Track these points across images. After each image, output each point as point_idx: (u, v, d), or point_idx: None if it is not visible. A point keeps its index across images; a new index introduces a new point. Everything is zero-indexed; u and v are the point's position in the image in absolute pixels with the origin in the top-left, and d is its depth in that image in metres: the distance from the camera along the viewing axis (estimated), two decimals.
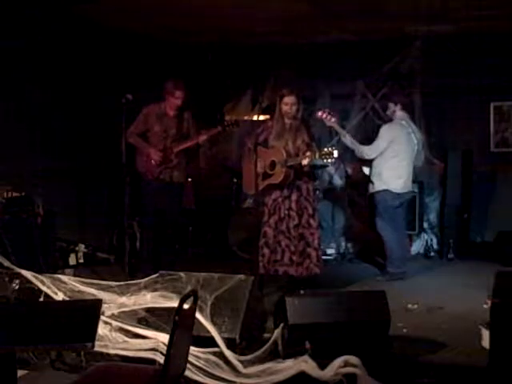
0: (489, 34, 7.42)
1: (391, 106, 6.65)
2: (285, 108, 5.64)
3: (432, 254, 7.88)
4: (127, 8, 6.53)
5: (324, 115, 6.13)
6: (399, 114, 6.58)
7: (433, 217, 8.12)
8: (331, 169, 8.07)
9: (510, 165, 7.80)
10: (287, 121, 5.71)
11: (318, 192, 7.76)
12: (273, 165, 5.63)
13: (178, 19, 7.01)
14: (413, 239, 7.96)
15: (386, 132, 6.51)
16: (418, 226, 7.85)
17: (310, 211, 5.72)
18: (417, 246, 8.00)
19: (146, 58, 7.65)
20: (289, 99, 5.62)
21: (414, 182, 7.82)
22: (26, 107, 6.26)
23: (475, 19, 6.94)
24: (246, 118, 8.42)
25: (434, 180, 8.08)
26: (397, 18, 6.95)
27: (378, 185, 6.56)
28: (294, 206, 5.66)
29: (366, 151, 6.53)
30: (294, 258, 5.61)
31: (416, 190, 7.84)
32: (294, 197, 5.67)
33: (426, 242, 7.98)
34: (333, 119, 6.20)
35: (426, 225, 8.05)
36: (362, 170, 7.27)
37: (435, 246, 7.96)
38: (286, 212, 5.65)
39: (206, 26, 7.34)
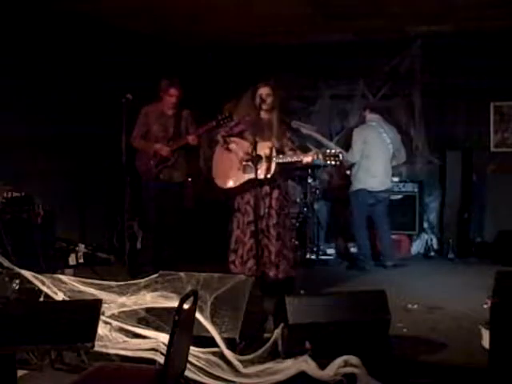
0: (489, 34, 7.43)
1: (362, 112, 7.25)
2: (261, 98, 5.38)
3: (432, 253, 7.89)
4: (128, 8, 6.54)
5: (296, 125, 6.61)
6: (369, 117, 7.10)
7: (433, 217, 8.14)
8: (331, 169, 8.11)
9: (510, 165, 7.81)
10: (264, 115, 5.48)
11: (317, 192, 7.78)
12: (258, 159, 5.28)
13: (179, 19, 7.02)
14: (413, 239, 7.98)
15: (357, 135, 7.04)
16: (418, 225, 7.87)
17: (287, 211, 5.56)
18: (417, 246, 8.02)
19: (146, 58, 7.65)
20: (264, 89, 5.41)
21: (413, 181, 7.92)
22: (26, 107, 6.26)
23: (475, 19, 6.95)
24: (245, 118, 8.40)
25: (434, 180, 8.10)
26: (397, 18, 6.95)
27: (355, 184, 7.06)
28: (274, 204, 5.44)
29: (346, 157, 6.92)
30: (273, 258, 5.42)
31: (416, 190, 7.89)
32: (274, 194, 5.45)
33: (426, 241, 7.99)
34: (309, 128, 6.80)
35: (426, 225, 8.07)
36: (346, 172, 7.59)
37: (435, 246, 7.97)
38: (267, 210, 5.42)
39: (206, 26, 7.34)
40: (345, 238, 7.86)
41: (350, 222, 7.27)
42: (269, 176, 5.33)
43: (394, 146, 7.07)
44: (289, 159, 5.37)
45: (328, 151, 5.24)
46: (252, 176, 5.27)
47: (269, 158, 5.30)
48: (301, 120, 7.62)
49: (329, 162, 5.21)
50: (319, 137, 7.23)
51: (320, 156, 5.25)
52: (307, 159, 5.30)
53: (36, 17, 6.34)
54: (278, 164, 5.35)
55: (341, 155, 5.20)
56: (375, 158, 6.95)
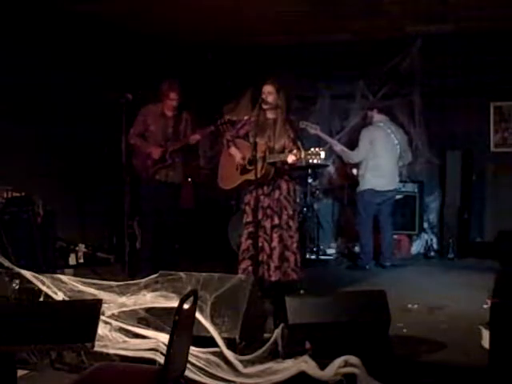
0: (489, 34, 7.43)
1: (368, 112, 7.26)
2: (262, 97, 5.39)
3: (432, 253, 7.89)
4: (128, 8, 6.54)
5: (304, 125, 6.70)
6: (377, 117, 7.14)
7: (433, 217, 8.14)
8: (331, 169, 8.14)
9: (510, 165, 7.81)
10: (270, 116, 5.48)
11: (317, 192, 7.78)
12: (253, 160, 5.20)
13: (178, 19, 7.02)
14: (413, 239, 7.98)
15: (364, 135, 7.07)
16: (418, 225, 7.87)
17: (290, 212, 5.44)
18: (417, 246, 8.03)
19: (146, 58, 7.66)
20: (266, 87, 5.41)
21: (413, 181, 7.92)
22: (25, 107, 6.26)
23: (475, 19, 6.95)
24: (245, 118, 8.40)
25: (434, 180, 8.10)
26: (397, 17, 6.95)
27: (362, 184, 7.07)
28: (273, 204, 5.39)
29: (351, 156, 7.12)
30: (271, 260, 5.34)
31: (416, 190, 7.89)
32: (275, 195, 5.42)
33: (426, 242, 7.99)
34: (317, 128, 6.79)
35: (426, 225, 8.07)
36: (349, 172, 7.66)
37: (435, 246, 7.97)
38: (266, 211, 5.38)
39: (206, 26, 7.34)
40: (346, 238, 7.86)
41: (355, 221, 7.28)
42: (260, 176, 5.21)
43: (401, 147, 7.13)
44: (276, 159, 5.33)
45: (311, 150, 5.11)
46: (248, 177, 5.34)
47: (263, 159, 5.28)
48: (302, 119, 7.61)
49: (310, 161, 5.14)
50: (328, 138, 7.20)
51: (302, 155, 5.13)
52: (290, 158, 5.19)
53: (36, 17, 6.34)
54: (270, 164, 5.31)
55: (322, 153, 5.08)
56: (383, 158, 7.00)
